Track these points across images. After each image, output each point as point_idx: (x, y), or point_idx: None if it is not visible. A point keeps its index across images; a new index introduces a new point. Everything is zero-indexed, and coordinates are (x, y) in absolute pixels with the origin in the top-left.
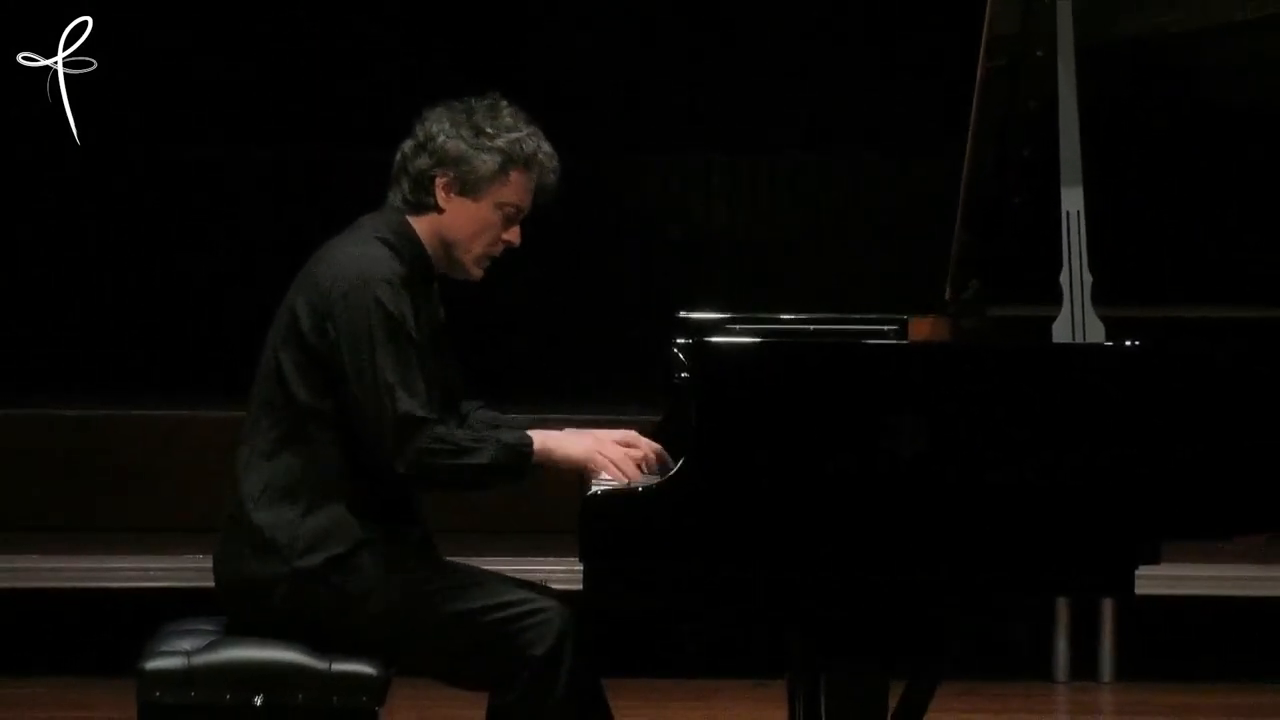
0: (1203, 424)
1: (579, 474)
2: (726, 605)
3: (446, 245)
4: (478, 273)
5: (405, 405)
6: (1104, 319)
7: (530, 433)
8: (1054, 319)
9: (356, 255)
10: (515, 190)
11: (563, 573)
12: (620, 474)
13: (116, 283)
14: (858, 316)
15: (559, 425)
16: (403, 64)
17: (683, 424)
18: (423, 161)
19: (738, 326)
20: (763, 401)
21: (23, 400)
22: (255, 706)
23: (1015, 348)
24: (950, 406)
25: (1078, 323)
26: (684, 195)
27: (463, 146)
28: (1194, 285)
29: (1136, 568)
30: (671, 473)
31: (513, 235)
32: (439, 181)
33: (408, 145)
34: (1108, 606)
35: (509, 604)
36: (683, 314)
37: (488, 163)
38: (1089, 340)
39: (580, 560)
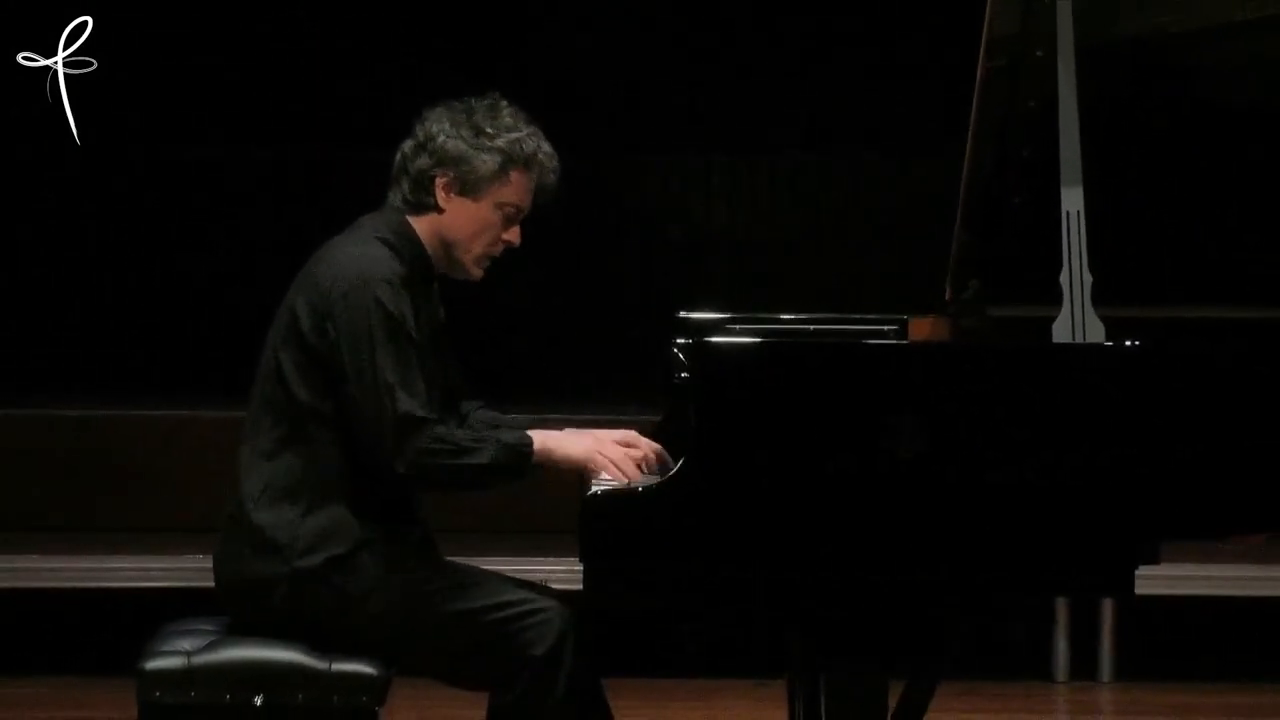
0: (1202, 424)
1: (579, 474)
2: (726, 605)
3: (446, 245)
4: (478, 273)
5: (405, 405)
6: (1104, 319)
7: (530, 433)
8: (1054, 319)
9: (356, 255)
10: (515, 190)
11: (563, 573)
12: (620, 474)
13: (116, 283)
14: (858, 316)
15: (559, 425)
16: (403, 64)
17: (683, 424)
18: (423, 161)
19: (738, 327)
20: (762, 402)
21: (23, 400)
22: (255, 706)
23: (1015, 348)
24: (950, 406)
25: (1077, 323)
26: (684, 195)
27: (463, 146)
28: (1194, 285)
29: (1136, 568)
30: (671, 473)
31: (513, 235)
32: (439, 181)
33: (408, 145)
34: (1107, 606)
35: (509, 604)
36: (683, 314)
37: (488, 163)
38: (1089, 340)
39: (580, 560)
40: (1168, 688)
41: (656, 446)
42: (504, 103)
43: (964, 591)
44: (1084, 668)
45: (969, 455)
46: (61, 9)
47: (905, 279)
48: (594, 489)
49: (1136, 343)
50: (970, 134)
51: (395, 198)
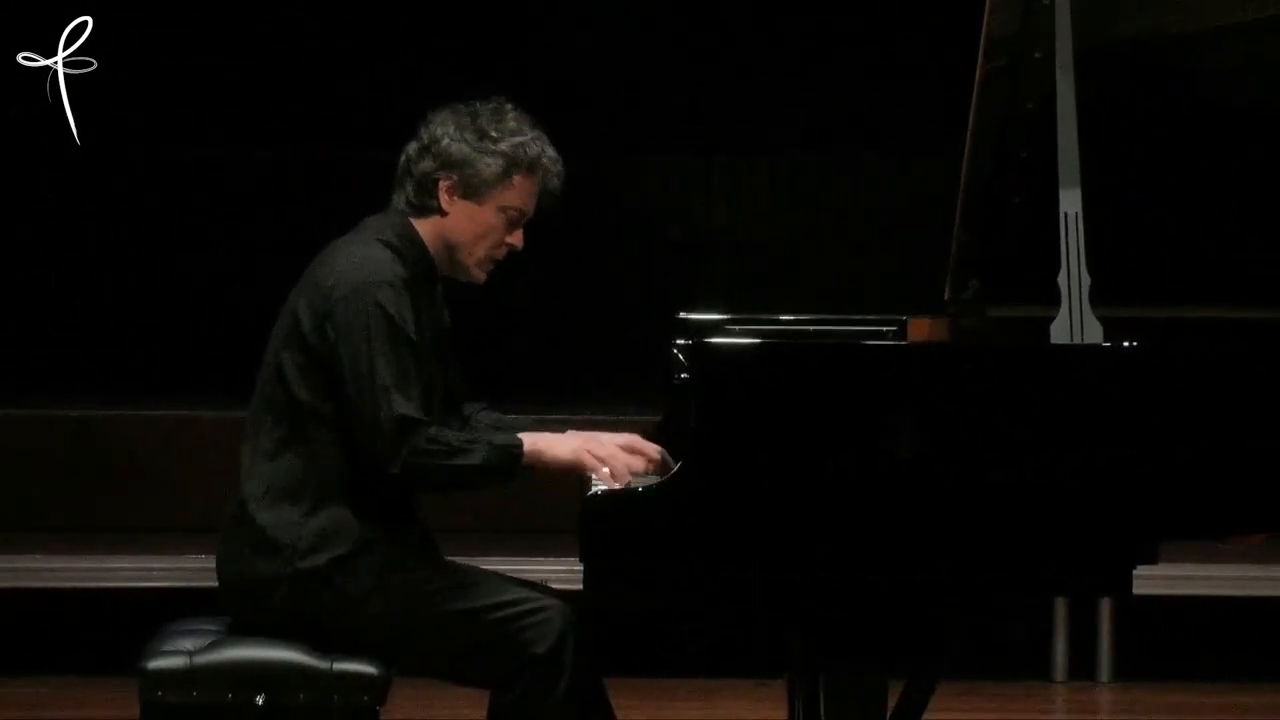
0: (1201, 424)
1: (579, 475)
2: (726, 605)
3: (449, 248)
4: (480, 275)
5: (400, 408)
6: (1103, 319)
7: (522, 435)
8: (1053, 319)
9: (358, 257)
10: (519, 194)
11: (563, 573)
12: (608, 469)
13: (116, 283)
14: (857, 317)
15: (559, 426)
16: (403, 64)
17: (683, 424)
18: (427, 164)
19: (737, 327)
20: (762, 402)
21: (23, 400)
22: (257, 706)
23: (1014, 348)
24: (949, 407)
25: (1076, 323)
26: (684, 195)
27: (467, 150)
28: (1193, 286)
29: (1134, 568)
30: (671, 473)
31: (515, 238)
32: (442, 184)
33: (412, 147)
34: (1106, 606)
35: (510, 603)
36: (683, 314)
37: (491, 166)
38: (1087, 341)
39: (580, 560)
40: (1167, 688)
41: (661, 450)
42: (509, 106)
43: (963, 591)
44: (1083, 668)
45: (968, 456)
46: (61, 9)
47: (905, 279)
48: (594, 489)
49: (1135, 343)
50: (970, 134)
51: (399, 200)
